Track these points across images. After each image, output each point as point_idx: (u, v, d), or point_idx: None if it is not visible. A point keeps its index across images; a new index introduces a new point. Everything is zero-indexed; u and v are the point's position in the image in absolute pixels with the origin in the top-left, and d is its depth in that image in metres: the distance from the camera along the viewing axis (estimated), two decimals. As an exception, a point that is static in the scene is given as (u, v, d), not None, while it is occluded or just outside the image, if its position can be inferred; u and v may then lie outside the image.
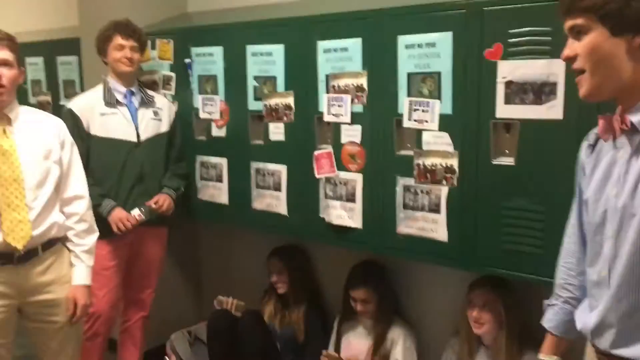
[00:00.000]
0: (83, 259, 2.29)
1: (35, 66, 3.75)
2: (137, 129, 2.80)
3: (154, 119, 2.87)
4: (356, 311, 2.68)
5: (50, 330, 2.27)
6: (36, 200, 2.15)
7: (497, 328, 2.27)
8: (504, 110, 2.04)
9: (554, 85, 1.92)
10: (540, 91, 1.95)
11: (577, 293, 1.56)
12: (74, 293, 2.26)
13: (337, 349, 2.78)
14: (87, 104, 2.76)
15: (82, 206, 2.31)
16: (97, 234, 2.36)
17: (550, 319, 1.62)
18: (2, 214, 2.07)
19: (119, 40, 2.75)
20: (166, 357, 3.14)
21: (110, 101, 2.77)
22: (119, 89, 2.80)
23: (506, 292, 2.29)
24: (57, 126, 2.28)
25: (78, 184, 2.31)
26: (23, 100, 3.65)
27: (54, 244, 2.23)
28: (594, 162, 1.42)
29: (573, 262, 1.57)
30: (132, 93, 2.83)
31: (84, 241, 2.30)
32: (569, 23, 1.30)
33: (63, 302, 2.25)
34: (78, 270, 2.29)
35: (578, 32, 1.29)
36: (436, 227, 2.26)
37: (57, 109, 3.66)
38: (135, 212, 2.76)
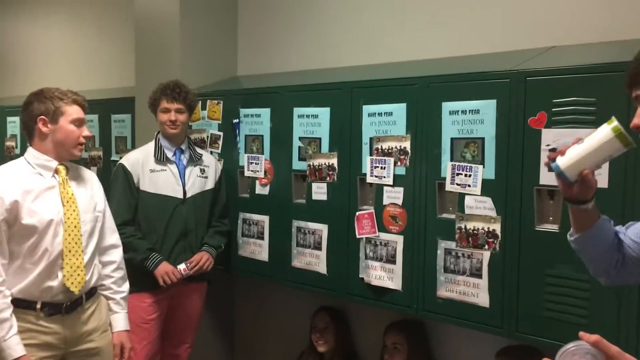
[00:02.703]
0: (123, 306, 2.38)
1: (90, 123, 3.92)
2: (184, 186, 2.90)
3: (201, 176, 2.96)
4: None
5: None
6: (87, 248, 2.24)
7: None
8: (548, 177, 2.05)
9: (598, 153, 1.93)
10: (584, 159, 1.96)
11: None
12: (120, 338, 2.34)
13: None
14: (138, 160, 2.88)
15: (119, 255, 2.42)
16: (128, 281, 2.45)
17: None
18: (64, 258, 2.16)
19: (164, 104, 2.88)
20: (198, 415, 3.11)
21: (160, 158, 2.89)
22: (169, 147, 2.92)
23: None
24: (96, 179, 2.42)
25: (113, 233, 2.42)
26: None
27: (94, 292, 2.30)
28: None
29: None
30: (182, 151, 2.94)
31: (122, 288, 2.40)
32: (635, 93, 1.34)
33: (103, 350, 2.30)
34: (120, 317, 2.37)
35: None
36: (477, 292, 2.24)
37: (107, 164, 3.83)
38: (181, 267, 2.83)
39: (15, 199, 2.11)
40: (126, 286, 2.42)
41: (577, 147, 1.37)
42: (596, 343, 1.11)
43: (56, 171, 2.22)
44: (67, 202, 2.20)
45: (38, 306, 2.14)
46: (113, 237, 2.42)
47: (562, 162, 1.38)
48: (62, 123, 2.21)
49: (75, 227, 2.19)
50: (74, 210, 2.20)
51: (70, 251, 2.17)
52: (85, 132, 2.27)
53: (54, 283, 2.15)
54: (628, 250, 1.49)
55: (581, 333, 1.13)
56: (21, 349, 2.09)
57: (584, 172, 1.36)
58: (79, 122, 2.25)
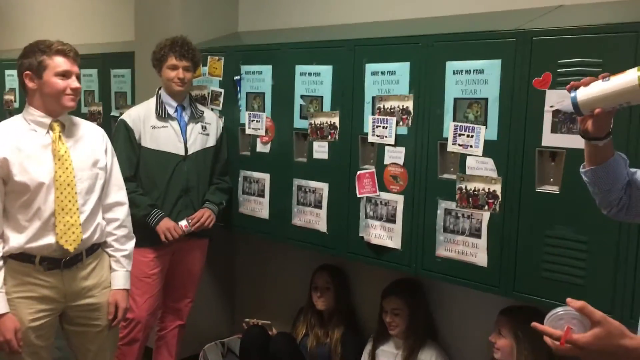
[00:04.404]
0: (124, 264, 2.35)
1: (89, 77, 3.89)
2: (185, 143, 2.89)
3: (202, 133, 2.95)
4: (387, 326, 2.68)
5: (91, 333, 2.31)
6: (85, 205, 2.21)
7: (510, 355, 2.28)
8: (550, 139, 2.05)
9: (602, 115, 1.92)
10: (588, 121, 1.96)
11: None
12: (115, 297, 2.32)
13: (370, 369, 2.79)
14: (140, 116, 2.86)
15: (123, 212, 2.37)
16: (134, 239, 2.42)
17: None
18: (57, 217, 2.14)
19: (172, 60, 2.83)
20: (199, 367, 3.19)
21: (162, 115, 2.87)
22: (171, 103, 2.89)
23: (525, 323, 2.27)
24: (102, 134, 2.36)
25: (119, 190, 2.37)
26: (75, 110, 3.82)
27: (95, 249, 2.29)
28: None
29: None
30: (183, 108, 2.92)
31: (125, 246, 2.36)
32: None
33: (104, 306, 2.31)
34: (119, 275, 2.34)
35: None
36: (476, 252, 2.27)
37: (107, 119, 3.81)
38: (183, 223, 2.84)
39: (4, 157, 2.09)
40: (130, 245, 2.38)
41: (600, 84, 1.34)
42: (581, 309, 1.13)
43: (51, 127, 2.18)
44: (59, 159, 2.16)
45: (37, 260, 2.15)
46: (119, 194, 2.37)
47: (580, 94, 1.36)
48: (46, 77, 2.15)
49: (68, 185, 2.16)
50: (66, 168, 2.16)
51: (63, 209, 2.14)
52: (74, 84, 2.18)
53: (50, 241, 2.14)
54: (636, 192, 1.50)
55: (568, 299, 1.16)
56: (3, 307, 2.09)
57: (596, 111, 1.35)
58: (64, 74, 2.16)
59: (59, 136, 2.18)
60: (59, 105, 2.17)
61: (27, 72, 2.16)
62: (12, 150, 2.11)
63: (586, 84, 1.37)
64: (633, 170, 1.53)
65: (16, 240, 2.13)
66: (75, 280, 2.22)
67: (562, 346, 1.13)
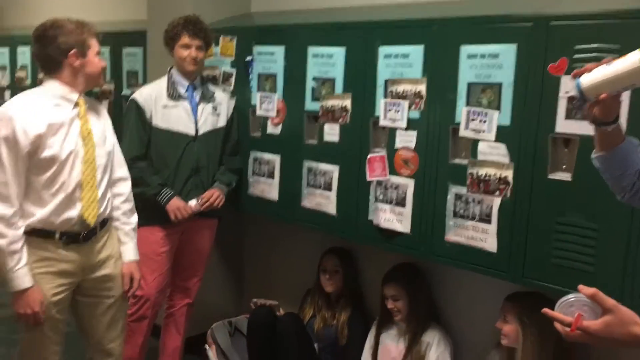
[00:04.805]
0: (132, 237, 2.44)
1: (101, 56, 3.88)
2: (196, 123, 2.89)
3: (213, 113, 2.95)
4: (390, 311, 2.70)
5: (105, 305, 2.38)
6: (102, 182, 2.28)
7: (516, 340, 2.28)
8: (564, 125, 2.03)
9: (618, 103, 1.90)
10: (603, 108, 1.93)
11: None
12: (129, 269, 2.41)
13: (375, 352, 2.81)
14: (151, 95, 2.85)
15: (127, 187, 2.45)
16: (136, 213, 2.49)
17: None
18: (83, 191, 2.20)
19: (185, 39, 2.82)
20: (206, 346, 3.21)
21: (173, 94, 2.86)
22: (182, 83, 2.89)
23: (530, 309, 2.27)
24: (106, 112, 2.43)
25: (121, 166, 2.45)
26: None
27: (106, 222, 2.36)
28: None
29: None
30: (194, 88, 2.91)
31: (131, 220, 2.45)
32: None
33: (117, 276, 2.39)
34: (129, 247, 2.43)
35: None
36: (486, 237, 2.26)
37: (118, 98, 3.81)
38: (192, 202, 2.86)
39: (39, 133, 2.11)
40: (135, 218, 2.46)
41: (603, 69, 1.34)
42: (593, 296, 1.14)
43: (76, 104, 2.22)
44: (88, 134, 2.23)
45: (57, 236, 2.20)
46: (122, 170, 2.44)
47: (584, 80, 1.36)
48: (90, 56, 2.23)
49: (92, 161, 2.22)
50: (91, 145, 2.23)
51: (87, 184, 2.21)
52: (103, 63, 2.33)
53: (72, 214, 2.19)
54: None
55: (580, 286, 1.16)
56: (29, 280, 2.13)
57: (601, 96, 1.35)
58: (99, 54, 2.29)
59: (85, 113, 2.24)
60: (97, 83, 2.32)
61: (75, 50, 2.19)
62: (46, 126, 2.13)
63: (589, 70, 1.36)
64: None
65: (39, 214, 2.16)
66: (92, 253, 2.29)
67: (573, 333, 1.13)
